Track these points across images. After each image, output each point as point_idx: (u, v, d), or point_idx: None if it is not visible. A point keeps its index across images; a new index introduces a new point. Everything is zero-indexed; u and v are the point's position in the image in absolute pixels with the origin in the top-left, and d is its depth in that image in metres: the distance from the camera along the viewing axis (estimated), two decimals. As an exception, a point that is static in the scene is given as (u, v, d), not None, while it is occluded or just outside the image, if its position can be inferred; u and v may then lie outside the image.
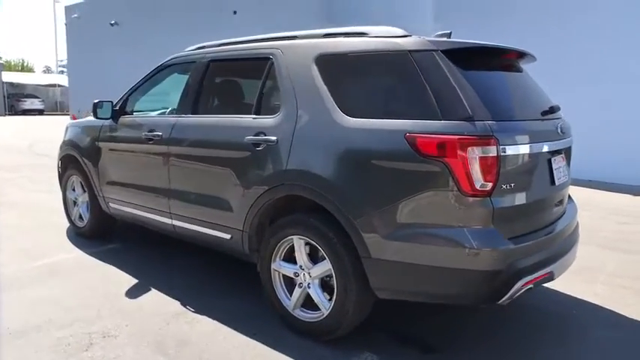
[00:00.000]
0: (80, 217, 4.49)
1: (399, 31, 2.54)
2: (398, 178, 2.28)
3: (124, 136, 3.79)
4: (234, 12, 16.38)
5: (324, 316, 2.59)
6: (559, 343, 2.71)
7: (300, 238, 2.65)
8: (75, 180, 4.46)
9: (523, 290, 2.29)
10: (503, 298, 2.22)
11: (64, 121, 8.98)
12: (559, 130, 2.64)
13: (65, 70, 37.10)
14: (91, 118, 4.61)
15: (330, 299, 2.58)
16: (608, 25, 7.98)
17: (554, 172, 2.59)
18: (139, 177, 3.66)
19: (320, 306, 2.61)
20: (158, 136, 3.40)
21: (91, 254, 4.01)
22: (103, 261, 3.85)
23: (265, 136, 2.74)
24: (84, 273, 3.60)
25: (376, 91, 2.51)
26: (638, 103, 7.68)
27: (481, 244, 2.15)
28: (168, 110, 4.04)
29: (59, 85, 38.28)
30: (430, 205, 2.21)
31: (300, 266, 2.68)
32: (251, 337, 2.68)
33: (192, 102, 3.31)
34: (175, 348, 2.56)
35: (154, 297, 3.21)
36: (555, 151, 2.60)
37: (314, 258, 2.66)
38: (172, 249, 4.20)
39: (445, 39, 2.46)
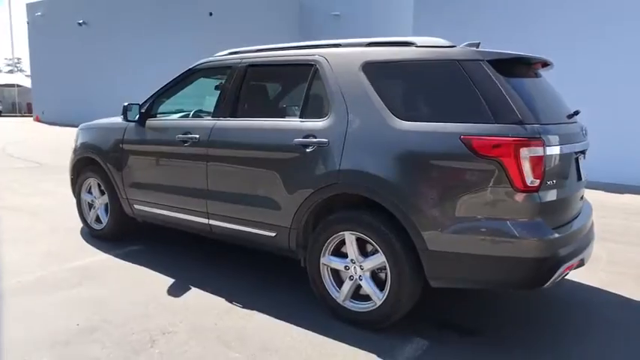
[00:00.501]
0: (97, 219, 4.48)
1: (445, 42, 2.76)
2: (454, 176, 2.50)
3: (154, 138, 3.85)
4: (210, 13, 16.33)
5: (377, 305, 2.77)
6: (579, 322, 3.01)
7: (352, 234, 2.82)
8: (92, 183, 4.45)
9: (563, 275, 2.56)
10: (548, 283, 2.48)
11: (27, 123, 8.70)
12: (582, 132, 2.94)
13: (17, 69, 35.54)
14: (106, 119, 4.65)
15: (381, 290, 2.77)
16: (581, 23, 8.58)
17: (580, 169, 2.88)
18: (171, 178, 3.73)
19: (372, 297, 2.79)
20: (194, 138, 3.49)
21: (117, 256, 4.04)
22: (132, 262, 3.89)
23: (315, 138, 2.90)
24: (118, 274, 3.63)
25: (427, 96, 2.72)
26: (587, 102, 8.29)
27: (531, 235, 2.40)
28: (192, 113, 4.13)
29: (18, 86, 36.70)
30: (484, 200, 2.44)
31: (352, 260, 2.85)
32: (307, 328, 2.83)
33: (231, 105, 3.43)
34: (238, 342, 2.68)
35: (196, 294, 3.30)
36: (581, 151, 2.89)
37: (363, 252, 2.85)
38: (195, 248, 4.30)
39: (488, 50, 2.69)
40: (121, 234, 4.38)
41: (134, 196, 4.03)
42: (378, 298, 2.77)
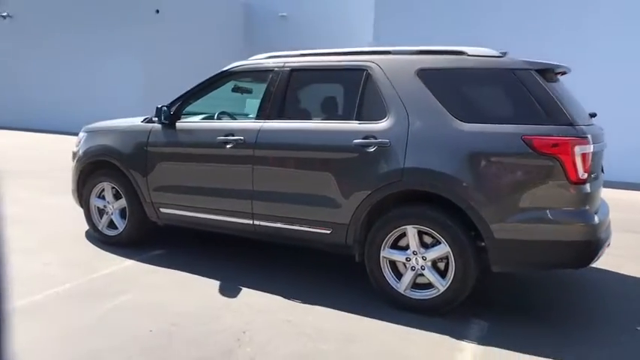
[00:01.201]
0: (110, 225, 4.33)
1: (494, 52, 3.07)
2: (516, 172, 2.82)
3: (187, 140, 3.82)
4: (157, 11, 15.75)
5: (440, 292, 3.02)
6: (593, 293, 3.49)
7: (414, 227, 3.05)
8: (106, 187, 4.28)
9: (601, 256, 2.97)
10: (592, 262, 2.88)
11: None
12: (602, 131, 3.39)
13: None
14: (115, 121, 4.50)
15: (442, 277, 3.02)
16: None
17: (602, 165, 3.33)
18: (209, 180, 3.73)
19: (435, 284, 3.04)
20: (239, 140, 3.53)
21: (142, 261, 3.94)
22: (164, 267, 3.82)
23: (376, 139, 3.09)
24: (156, 279, 3.57)
25: (484, 100, 3.02)
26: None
27: (582, 221, 2.78)
28: (216, 115, 4.14)
29: None
30: (544, 192, 2.78)
31: (413, 252, 3.08)
32: (374, 317, 3.01)
33: (277, 108, 3.51)
34: (319, 335, 2.80)
35: (251, 294, 3.34)
36: (603, 148, 3.34)
37: (423, 244, 3.08)
38: (215, 249, 4.36)
39: (531, 60, 3.03)
40: (138, 239, 4.27)
41: (161, 200, 3.96)
42: (441, 285, 3.02)
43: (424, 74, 3.10)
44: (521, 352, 2.66)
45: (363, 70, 3.29)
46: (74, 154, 4.60)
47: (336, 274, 3.87)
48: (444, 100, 3.01)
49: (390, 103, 3.14)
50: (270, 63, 3.68)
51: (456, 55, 3.12)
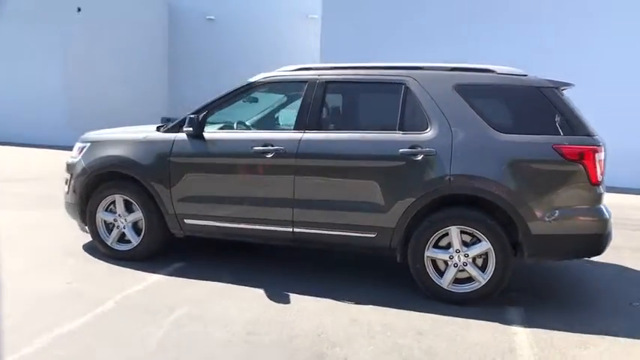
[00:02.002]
0: (121, 239, 4.13)
1: (519, 70, 3.51)
2: (547, 175, 3.27)
3: (219, 150, 3.80)
4: (79, 9, 14.68)
5: (481, 285, 3.37)
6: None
7: (458, 228, 3.38)
8: (117, 200, 4.08)
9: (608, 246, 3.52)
10: (603, 251, 3.41)
11: None
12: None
13: None
14: (119, 131, 4.32)
15: (483, 272, 3.38)
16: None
17: None
18: (243, 190, 3.76)
19: (477, 278, 3.38)
20: (280, 150, 3.61)
21: (169, 275, 3.84)
22: (195, 278, 3.75)
23: (422, 148, 3.38)
24: (197, 291, 3.52)
25: (516, 113, 3.43)
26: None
27: (599, 217, 3.30)
28: (235, 124, 4.16)
29: None
30: (569, 193, 3.26)
31: (457, 250, 3.40)
32: (426, 312, 3.28)
33: (316, 118, 3.65)
34: (392, 331, 3.00)
35: (303, 299, 3.43)
36: None
37: (464, 243, 3.42)
38: (235, 257, 4.38)
39: (552, 79, 3.49)
40: (154, 253, 4.12)
41: (186, 211, 3.89)
42: (482, 278, 3.37)
43: (461, 89, 3.45)
44: (559, 330, 3.08)
45: (401, 84, 3.56)
46: (70, 165, 4.32)
47: (368, 273, 4.12)
48: (482, 112, 3.38)
49: (432, 115, 3.44)
50: (304, 75, 3.81)
51: (486, 73, 3.51)
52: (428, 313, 3.29)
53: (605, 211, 3.35)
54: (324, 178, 3.61)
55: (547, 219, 3.25)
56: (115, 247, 4.15)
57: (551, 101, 3.34)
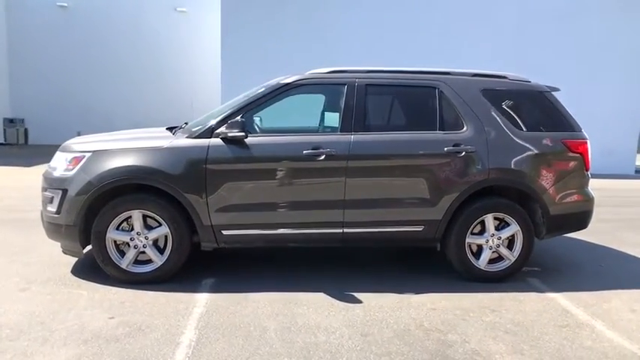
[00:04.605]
0: (137, 261, 3.64)
1: (524, 77, 4.12)
2: (560, 166, 3.94)
3: (266, 155, 3.62)
4: None
5: (512, 262, 3.91)
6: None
7: (492, 215, 3.85)
8: (135, 216, 3.57)
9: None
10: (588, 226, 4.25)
11: None
12: None
13: None
14: (128, 136, 3.81)
15: (511, 251, 3.92)
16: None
17: None
18: (292, 194, 3.66)
19: (508, 257, 3.90)
20: (329, 152, 3.62)
21: (214, 291, 3.56)
22: (242, 292, 3.53)
23: (464, 146, 3.76)
24: (260, 306, 3.34)
25: (528, 114, 4.02)
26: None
27: (591, 197, 4.11)
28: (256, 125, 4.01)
29: None
30: (573, 179, 3.99)
31: (492, 234, 3.88)
32: (469, 292, 3.67)
33: (361, 120, 3.74)
34: (465, 314, 3.33)
35: (372, 297, 3.51)
36: None
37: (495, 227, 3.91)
38: (263, 264, 4.24)
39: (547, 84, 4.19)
40: (179, 270, 3.74)
41: (225, 221, 3.63)
42: (512, 257, 3.91)
43: (487, 93, 3.92)
44: (579, 290, 3.77)
45: (435, 87, 3.88)
46: (57, 180, 3.64)
47: (392, 265, 4.35)
48: (505, 113, 3.90)
49: (466, 116, 3.84)
50: (342, 78, 3.85)
51: (500, 79, 4.05)
52: (476, 292, 3.69)
53: (591, 192, 4.18)
54: (374, 178, 3.74)
55: (560, 201, 3.93)
56: (133, 270, 3.64)
57: (552, 103, 4.03)
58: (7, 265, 4.01)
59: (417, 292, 3.66)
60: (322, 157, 3.63)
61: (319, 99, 4.50)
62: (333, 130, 3.88)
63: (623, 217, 6.84)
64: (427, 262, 4.53)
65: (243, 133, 3.49)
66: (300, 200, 3.69)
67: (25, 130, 16.79)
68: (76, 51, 17.27)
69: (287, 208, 3.68)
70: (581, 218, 4.11)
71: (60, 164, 3.72)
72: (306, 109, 4.61)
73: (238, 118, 3.63)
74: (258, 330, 2.96)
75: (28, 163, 11.29)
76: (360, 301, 3.46)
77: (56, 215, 3.61)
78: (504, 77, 4.09)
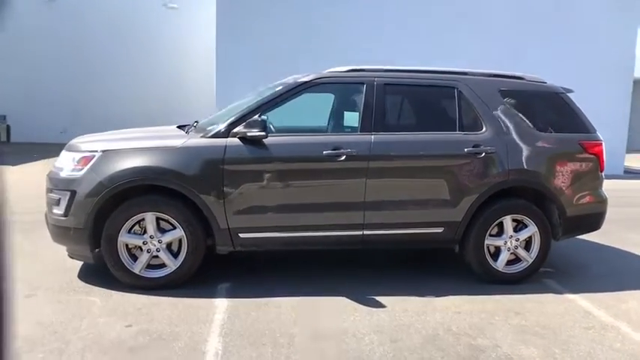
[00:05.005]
0: (149, 265, 3.50)
1: (540, 78, 4.11)
2: (576, 166, 3.93)
3: (286, 155, 3.52)
4: None
5: (529, 264, 3.89)
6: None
7: (511, 216, 3.82)
8: (148, 218, 3.43)
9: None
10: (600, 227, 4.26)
11: None
12: None
13: None
14: (146, 134, 3.67)
15: (529, 252, 3.90)
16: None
17: None
18: (313, 196, 3.57)
19: (525, 259, 3.88)
20: (350, 153, 3.54)
21: (231, 296, 3.44)
22: (262, 297, 3.42)
23: (484, 146, 3.72)
24: (284, 311, 3.25)
25: (545, 114, 4.00)
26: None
27: (604, 198, 4.11)
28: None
29: None
30: (589, 180, 3.99)
31: (510, 236, 3.85)
32: (489, 294, 3.64)
33: (381, 120, 3.67)
34: (491, 317, 3.29)
35: (396, 300, 3.43)
36: None
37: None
38: (278, 268, 4.14)
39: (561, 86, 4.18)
40: (193, 275, 3.61)
41: (243, 224, 3.51)
42: (530, 258, 3.89)
43: (505, 93, 3.89)
44: (596, 292, 3.76)
45: (453, 87, 3.83)
46: (64, 180, 3.48)
47: (413, 266, 4.29)
48: (523, 114, 3.88)
49: (485, 116, 3.80)
50: (360, 77, 3.77)
51: (517, 80, 4.02)
52: (495, 295, 3.65)
53: (604, 193, 4.19)
54: (394, 179, 3.68)
55: (576, 202, 3.93)
56: (146, 275, 3.50)
57: (568, 104, 4.02)
58: (8, 271, 3.81)
59: (438, 294, 3.60)
60: (343, 157, 3.54)
61: (326, 98, 4.41)
62: (352, 129, 3.79)
63: (620, 217, 6.92)
64: (438, 263, 4.51)
65: (263, 133, 3.37)
66: (319, 202, 3.59)
67: (7, 127, 16.26)
68: (61, 46, 16.79)
69: (306, 210, 3.59)
70: (595, 219, 4.12)
71: (67, 164, 3.55)
72: (310, 108, 4.50)
73: (256, 116, 3.52)
74: (285, 337, 2.86)
75: (13, 161, 10.91)
76: (383, 305, 3.39)
77: (63, 218, 3.45)
78: (521, 78, 4.07)
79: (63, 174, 3.52)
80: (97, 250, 3.50)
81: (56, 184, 3.54)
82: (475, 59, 9.41)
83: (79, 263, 3.91)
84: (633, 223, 6.52)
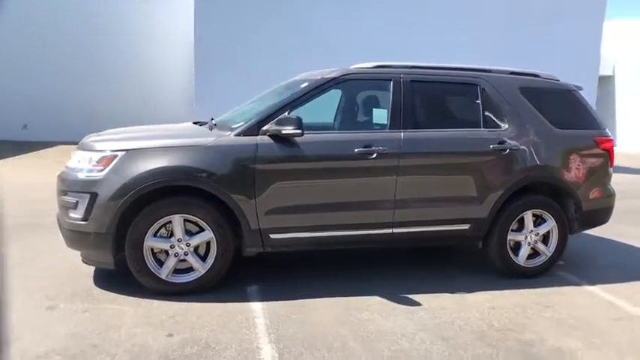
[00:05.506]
0: (174, 270, 3.34)
1: (553, 75, 4.21)
2: (590, 163, 4.06)
3: (318, 153, 3.44)
4: None
5: (547, 258, 3.99)
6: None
7: (532, 211, 3.91)
8: (175, 221, 3.27)
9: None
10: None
11: None
12: None
13: None
14: (170, 132, 3.48)
15: (547, 246, 4.00)
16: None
17: None
18: (344, 195, 3.51)
19: (544, 253, 3.97)
20: (382, 150, 3.50)
21: (266, 300, 3.33)
22: (295, 299, 3.34)
23: (508, 143, 3.77)
24: (325, 312, 3.18)
25: (561, 111, 4.10)
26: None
27: (613, 193, 4.28)
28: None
29: None
30: (600, 175, 4.14)
31: (530, 231, 3.93)
32: (518, 288, 3.72)
33: (410, 117, 3.64)
34: (523, 310, 3.36)
35: (431, 298, 3.45)
36: None
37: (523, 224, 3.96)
38: (294, 267, 4.07)
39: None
40: (219, 279, 3.47)
41: (274, 224, 3.41)
42: (548, 252, 3.99)
43: (524, 91, 3.96)
44: (612, 283, 3.91)
45: (476, 85, 3.86)
46: (81, 182, 3.26)
47: (434, 262, 4.31)
48: (541, 111, 3.97)
49: (507, 113, 3.86)
50: (388, 73, 3.73)
51: (534, 77, 4.11)
52: (518, 289, 3.72)
53: (612, 188, 4.35)
54: (423, 177, 3.67)
55: (591, 197, 4.07)
56: (173, 280, 3.33)
57: (580, 101, 4.16)
58: (15, 280, 3.53)
59: (468, 290, 3.64)
60: (374, 155, 3.50)
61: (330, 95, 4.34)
62: (381, 127, 3.75)
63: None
64: (451, 259, 4.55)
65: (299, 131, 3.27)
66: (350, 200, 3.54)
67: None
68: (22, 38, 15.73)
69: (337, 209, 3.52)
70: (605, 213, 4.28)
71: (84, 165, 3.32)
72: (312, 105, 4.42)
73: (285, 114, 3.42)
74: (337, 340, 2.80)
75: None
76: (418, 303, 3.38)
77: (83, 222, 3.22)
78: (537, 75, 4.16)
79: (81, 175, 3.29)
80: (117, 255, 3.31)
81: (72, 185, 3.31)
82: (461, 59, 9.62)
83: (90, 269, 3.68)
84: (618, 216, 6.83)
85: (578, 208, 4.02)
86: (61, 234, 3.48)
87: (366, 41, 10.50)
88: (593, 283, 3.91)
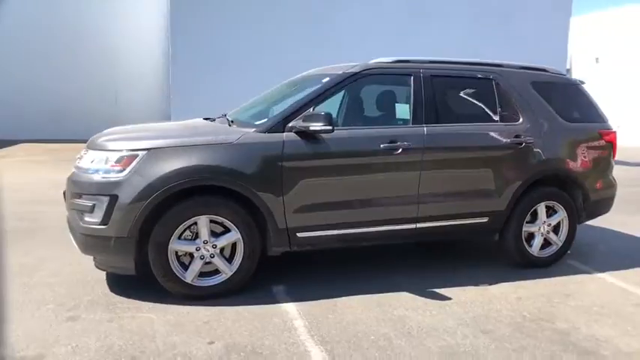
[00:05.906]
0: (201, 273, 3.20)
1: (559, 70, 4.31)
2: (596, 155, 4.19)
3: (346, 149, 3.37)
4: None
5: (559, 247, 4.10)
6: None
7: (545, 203, 4.00)
8: (201, 222, 3.12)
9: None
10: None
11: None
12: None
13: None
14: (189, 128, 3.32)
15: (558, 236, 4.11)
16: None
17: None
18: (370, 191, 3.46)
19: (556, 242, 4.08)
20: (405, 145, 3.47)
21: (296, 300, 3.24)
22: (325, 298, 3.28)
23: (524, 137, 3.83)
24: (359, 311, 3.14)
25: (568, 105, 4.20)
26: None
27: (615, 183, 4.45)
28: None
29: None
30: (605, 166, 4.28)
31: (543, 221, 4.03)
32: (541, 277, 3.82)
33: (431, 112, 3.63)
34: (549, 301, 3.43)
35: (458, 291, 3.47)
36: None
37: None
38: (316, 266, 4.01)
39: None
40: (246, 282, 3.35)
41: (302, 222, 3.32)
42: (560, 242, 4.10)
43: (535, 85, 4.03)
44: (621, 269, 4.06)
45: (491, 79, 3.90)
46: (97, 184, 3.06)
47: (443, 255, 4.34)
48: (552, 105, 4.05)
49: (521, 108, 3.92)
50: (408, 68, 3.70)
51: (543, 72, 4.19)
52: (535, 279, 3.80)
53: (614, 179, 4.52)
54: (447, 171, 3.67)
55: (597, 188, 4.21)
56: (199, 284, 3.19)
57: (585, 95, 4.28)
58: (21, 289, 3.28)
59: (489, 282, 3.69)
60: (399, 150, 3.47)
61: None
62: (404, 122, 3.72)
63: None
64: (460, 251, 4.60)
65: (330, 127, 3.18)
66: (376, 196, 3.50)
67: None
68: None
69: (363, 206, 3.47)
70: (609, 203, 4.44)
71: (99, 165, 3.12)
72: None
73: (310, 109, 3.34)
74: (381, 339, 2.76)
75: None
76: (448, 297, 3.39)
77: (102, 227, 3.02)
78: (545, 70, 4.24)
79: (97, 177, 3.08)
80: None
81: (87, 188, 3.10)
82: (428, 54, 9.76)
83: (100, 276, 3.49)
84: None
85: (585, 198, 4.14)
86: (73, 239, 3.26)
87: (336, 42, 10.51)
88: (602, 270, 4.05)
